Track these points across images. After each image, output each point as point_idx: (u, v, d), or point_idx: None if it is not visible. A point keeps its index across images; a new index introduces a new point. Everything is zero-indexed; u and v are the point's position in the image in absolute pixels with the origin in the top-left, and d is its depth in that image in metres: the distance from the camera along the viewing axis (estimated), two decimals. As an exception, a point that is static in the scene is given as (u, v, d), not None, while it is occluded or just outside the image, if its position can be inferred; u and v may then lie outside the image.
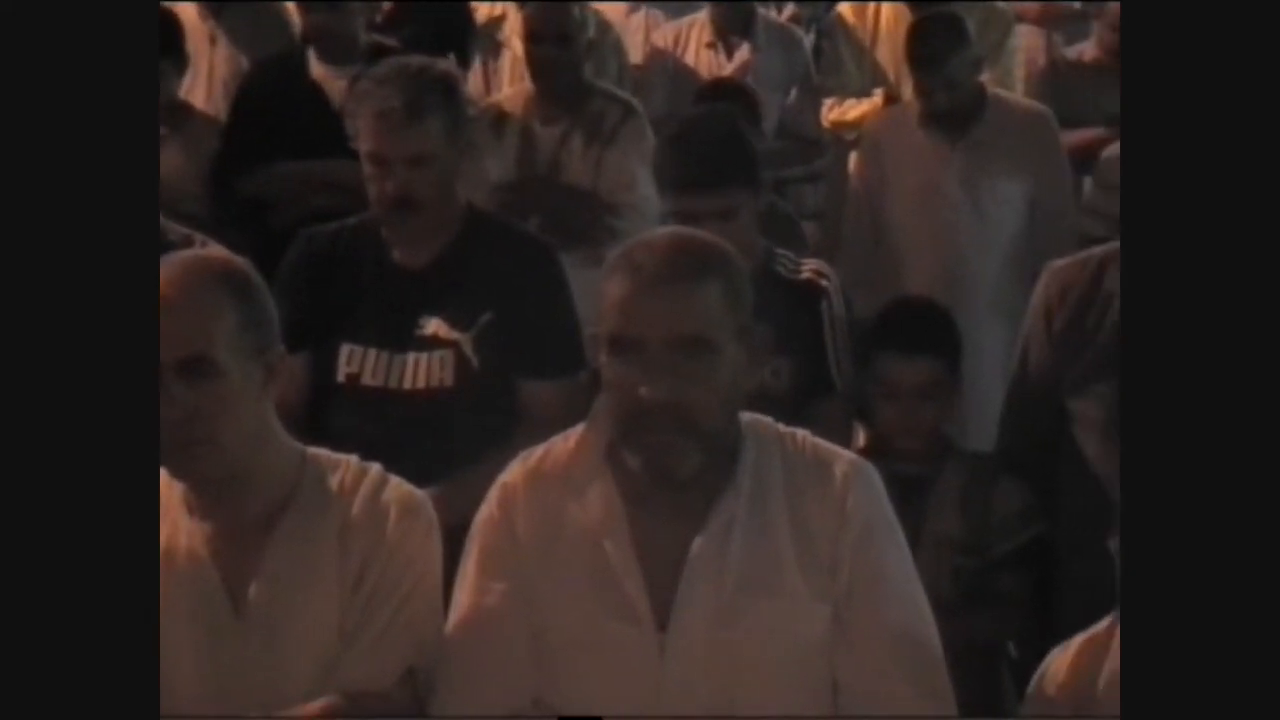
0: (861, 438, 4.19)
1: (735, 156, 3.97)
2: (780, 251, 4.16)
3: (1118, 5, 6.28)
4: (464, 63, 6.36)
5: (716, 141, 3.99)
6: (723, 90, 5.72)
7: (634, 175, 5.41)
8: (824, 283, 4.13)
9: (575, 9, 5.74)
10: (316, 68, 5.54)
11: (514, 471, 2.83)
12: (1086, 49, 6.48)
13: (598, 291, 2.71)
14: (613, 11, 6.94)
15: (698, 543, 2.71)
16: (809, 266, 4.16)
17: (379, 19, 6.42)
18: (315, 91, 5.48)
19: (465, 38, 6.56)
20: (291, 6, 5.86)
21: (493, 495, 2.83)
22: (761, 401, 2.81)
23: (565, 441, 2.84)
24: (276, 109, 5.49)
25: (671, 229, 2.83)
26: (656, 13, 7.02)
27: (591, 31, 5.90)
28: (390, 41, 5.72)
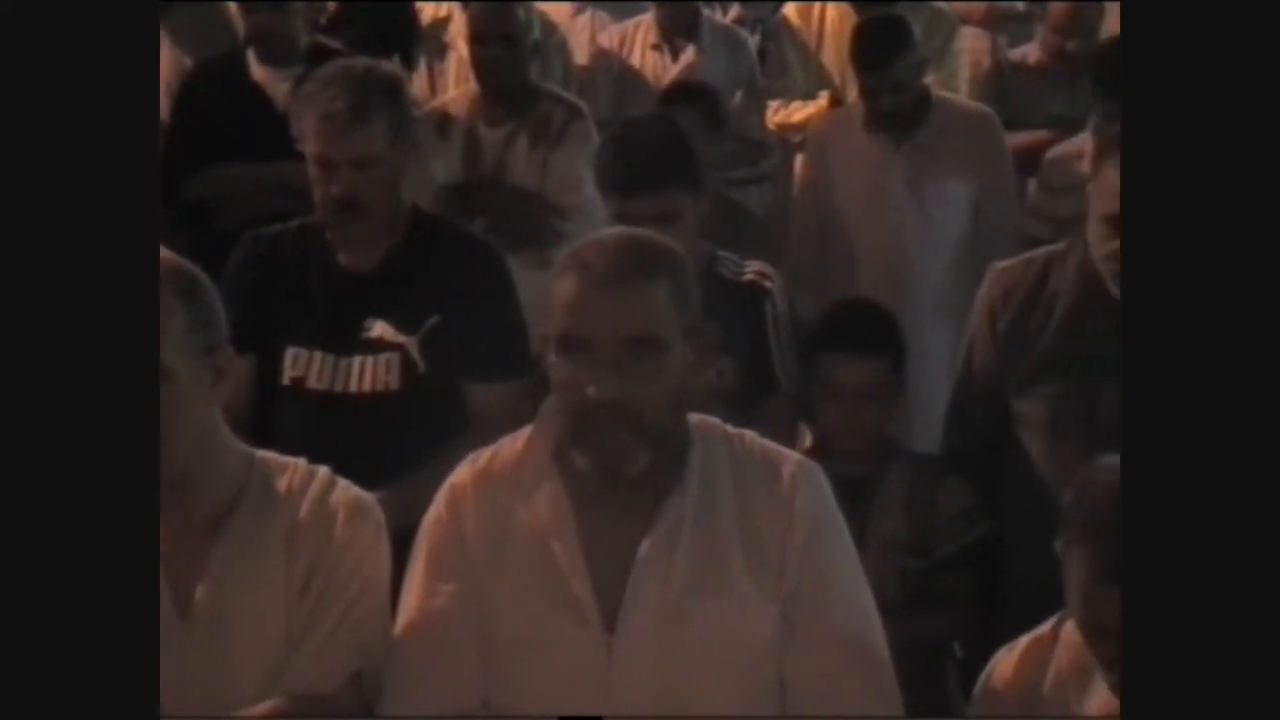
0: (807, 438, 4.21)
1: (676, 160, 3.98)
2: (723, 253, 4.17)
3: (1061, 7, 6.32)
4: (409, 64, 6.35)
5: (657, 145, 4.00)
6: (687, 93, 5.73)
7: (580, 177, 5.41)
8: (767, 283, 4.15)
9: (520, 10, 5.73)
10: (257, 69, 5.53)
11: (462, 473, 2.84)
12: (1030, 51, 6.51)
13: (546, 292, 2.72)
14: (558, 13, 6.93)
15: (646, 544, 2.72)
16: (752, 268, 4.17)
17: (323, 20, 6.40)
18: (256, 93, 5.46)
19: (410, 39, 6.54)
20: (234, 7, 5.84)
21: (441, 497, 2.83)
22: (706, 401, 2.82)
23: (513, 443, 2.84)
24: (217, 110, 5.47)
25: (620, 229, 2.84)
26: (602, 14, 7.02)
27: (537, 33, 5.89)
28: (334, 43, 5.70)
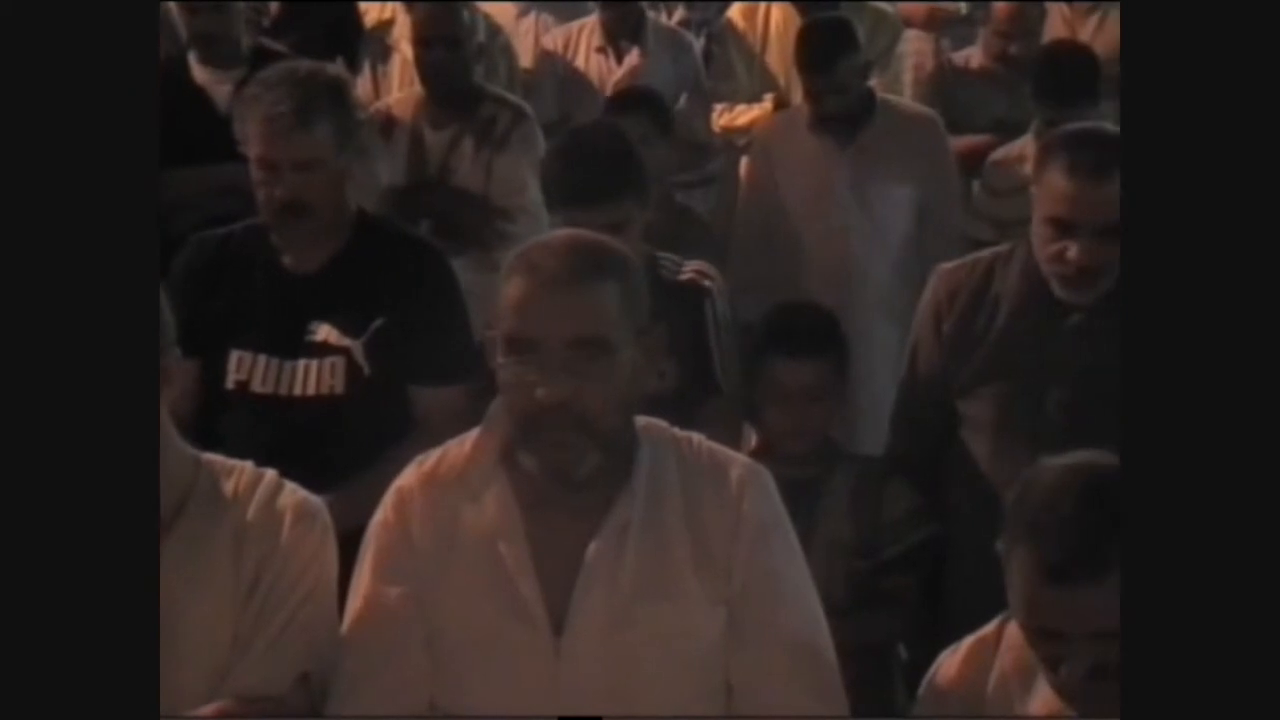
0: (753, 439, 4.22)
1: (624, 171, 3.98)
2: (661, 255, 4.17)
3: (1003, 10, 6.35)
4: (353, 67, 6.33)
5: (605, 156, 3.99)
6: (632, 99, 5.74)
7: (525, 179, 5.41)
8: (706, 283, 4.16)
9: (465, 13, 5.73)
10: (199, 71, 5.50)
11: (409, 476, 2.83)
12: (974, 54, 6.54)
13: (494, 293, 2.72)
14: (502, 15, 6.92)
15: (593, 546, 2.72)
16: (691, 267, 4.18)
17: (265, 22, 6.38)
18: (198, 95, 5.44)
19: (354, 41, 6.53)
20: (175, 9, 5.82)
21: (388, 500, 2.83)
22: (647, 403, 2.83)
23: (460, 446, 2.84)
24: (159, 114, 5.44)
25: (569, 231, 2.84)
26: (547, 17, 7.01)
27: (481, 35, 5.89)
28: (277, 45, 5.69)
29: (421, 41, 5.72)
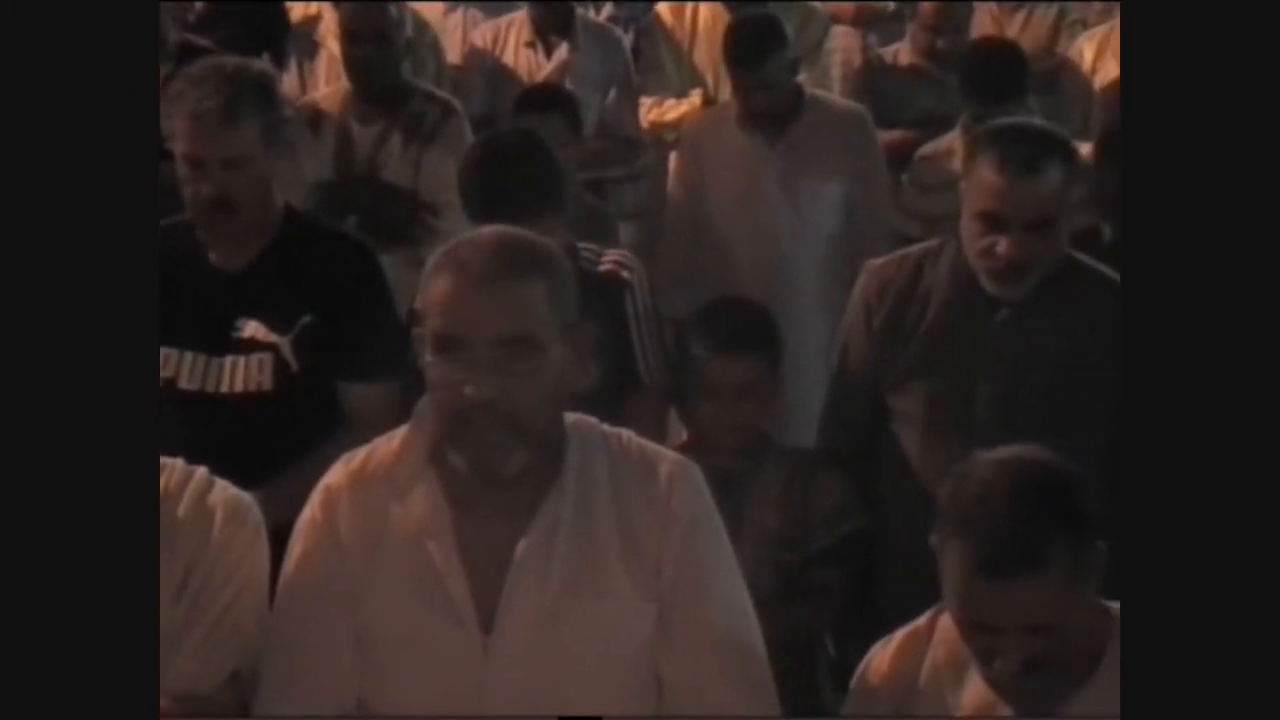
0: (683, 435, 4.22)
1: (542, 183, 4.00)
2: (582, 245, 4.17)
3: (930, 6, 6.37)
4: (279, 63, 6.30)
5: (522, 169, 4.01)
6: (544, 97, 5.72)
7: (453, 175, 5.39)
8: (626, 274, 4.17)
9: (392, 8, 5.72)
10: (126, 67, 5.46)
11: (337, 474, 2.82)
12: (901, 50, 6.56)
13: (421, 291, 2.71)
14: (430, 11, 6.91)
15: (523, 544, 2.71)
16: (610, 257, 4.18)
17: (191, 18, 6.33)
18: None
19: (280, 38, 6.50)
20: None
21: (315, 498, 2.82)
22: (572, 399, 2.82)
23: (389, 443, 2.82)
24: None
25: (497, 228, 2.83)
26: (475, 12, 7.00)
27: (409, 31, 5.88)
28: (203, 41, 5.65)
29: (349, 37, 5.71)
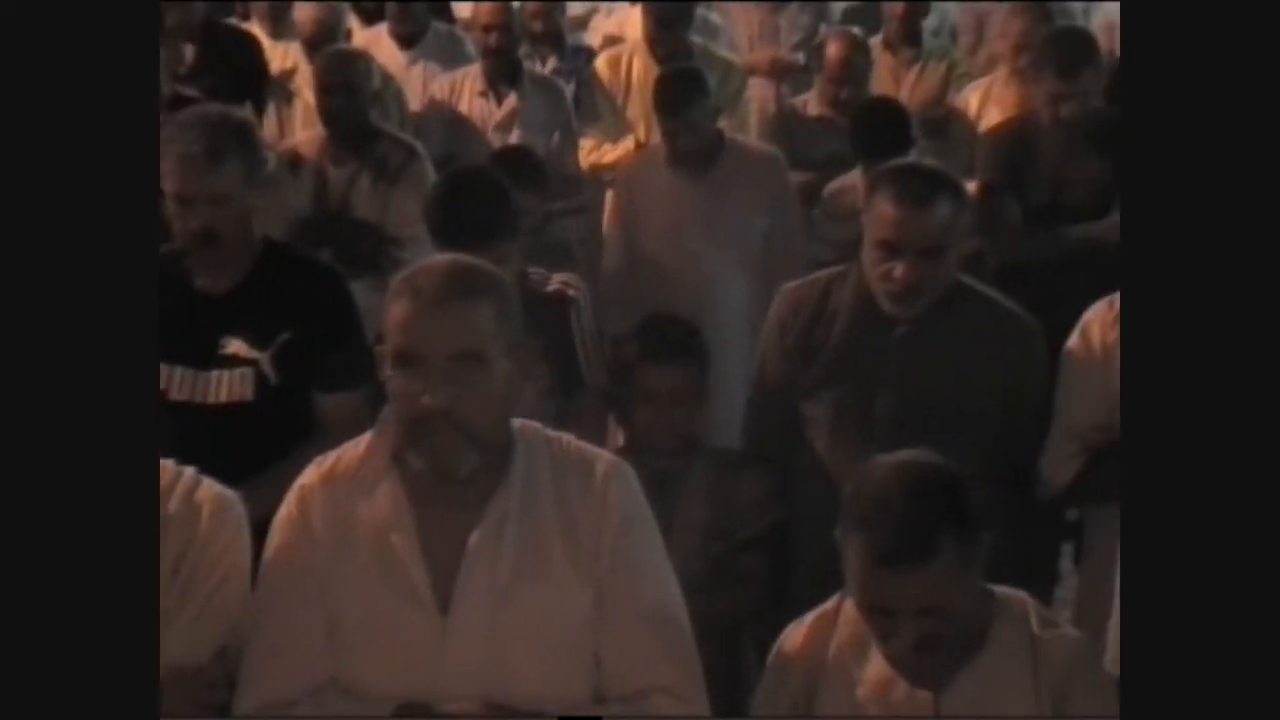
0: (619, 438, 4.21)
1: (500, 215, 4.00)
2: (531, 270, 4.18)
3: (835, 61, 6.39)
4: (259, 110, 6.29)
5: (483, 203, 4.01)
6: (513, 156, 5.69)
7: (416, 211, 5.39)
8: (572, 293, 4.20)
9: (361, 62, 5.71)
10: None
11: (309, 474, 2.82)
12: (810, 100, 6.58)
13: (383, 313, 2.71)
14: (393, 64, 6.90)
15: (475, 535, 2.71)
16: (558, 279, 4.20)
17: (182, 70, 6.29)
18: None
19: (260, 87, 6.50)
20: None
21: (291, 496, 2.81)
22: (523, 406, 2.82)
23: (356, 447, 2.82)
24: None
25: (449, 256, 2.84)
26: (433, 65, 6.99)
27: (376, 82, 5.88)
28: (191, 91, 5.62)
29: (322, 88, 5.72)
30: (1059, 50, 5.48)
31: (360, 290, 4.21)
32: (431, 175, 5.57)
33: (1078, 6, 8.10)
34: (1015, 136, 5.57)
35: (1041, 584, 3.91)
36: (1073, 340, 3.86)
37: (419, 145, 5.78)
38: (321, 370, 3.87)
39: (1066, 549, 4.67)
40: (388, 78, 6.61)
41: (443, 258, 2.83)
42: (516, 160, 5.48)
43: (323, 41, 6.60)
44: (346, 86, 5.60)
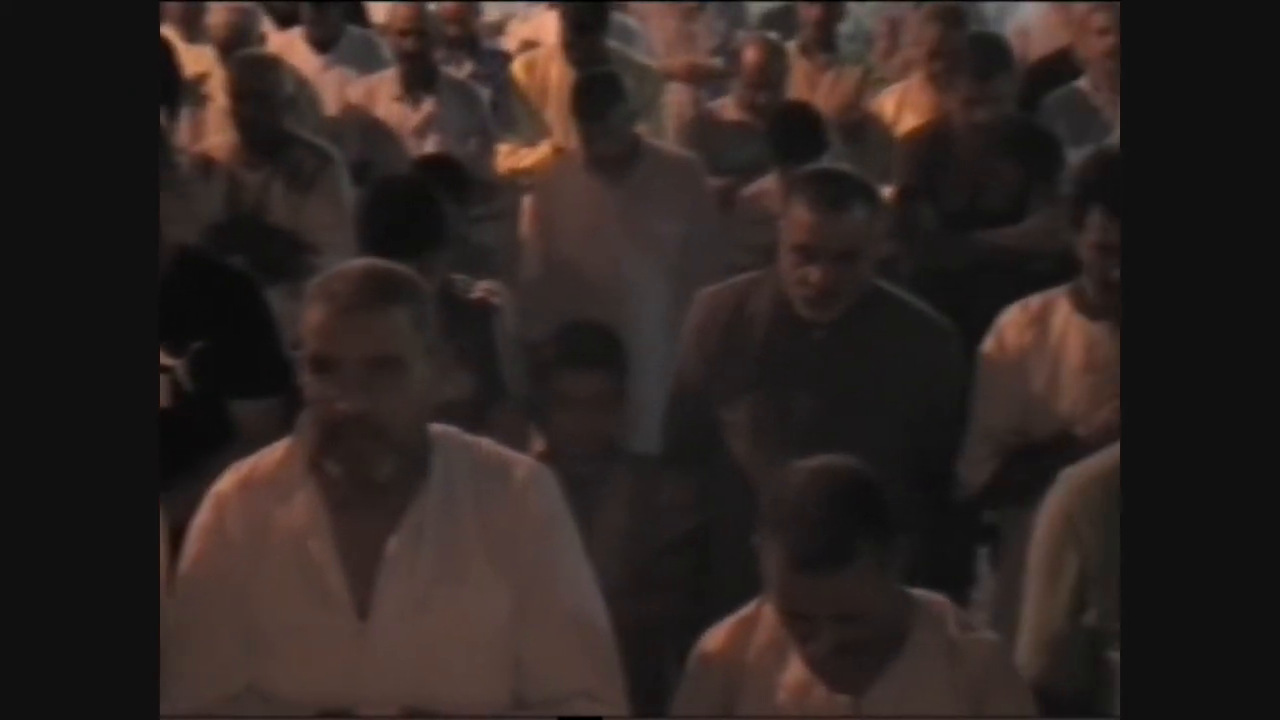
0: (539, 443, 4.20)
1: (428, 225, 4.00)
2: (455, 276, 4.17)
3: (751, 65, 6.40)
4: (172, 114, 6.24)
5: (411, 212, 4.01)
6: (436, 164, 5.69)
7: (331, 216, 5.38)
8: (495, 300, 4.20)
9: (274, 68, 5.68)
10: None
11: (226, 481, 2.81)
12: (727, 104, 6.59)
13: (300, 318, 2.70)
14: (308, 68, 6.86)
15: (393, 540, 2.70)
16: (481, 287, 4.19)
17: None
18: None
19: (173, 93, 6.43)
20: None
21: (206, 503, 2.80)
22: (444, 411, 2.81)
23: (273, 453, 2.81)
24: None
25: (365, 260, 2.83)
26: (349, 70, 6.96)
27: (289, 88, 5.84)
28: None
29: (235, 94, 5.69)
30: (973, 56, 5.54)
31: (276, 296, 4.18)
32: (347, 181, 5.55)
33: (990, 11, 8.17)
34: (930, 141, 5.62)
35: (958, 586, 3.95)
36: (988, 343, 3.89)
37: (334, 150, 5.76)
38: (238, 376, 3.85)
39: (983, 551, 4.70)
40: (302, 82, 6.57)
41: (359, 262, 2.83)
42: (442, 169, 5.48)
43: (236, 45, 6.56)
44: (259, 92, 5.57)
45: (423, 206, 4.05)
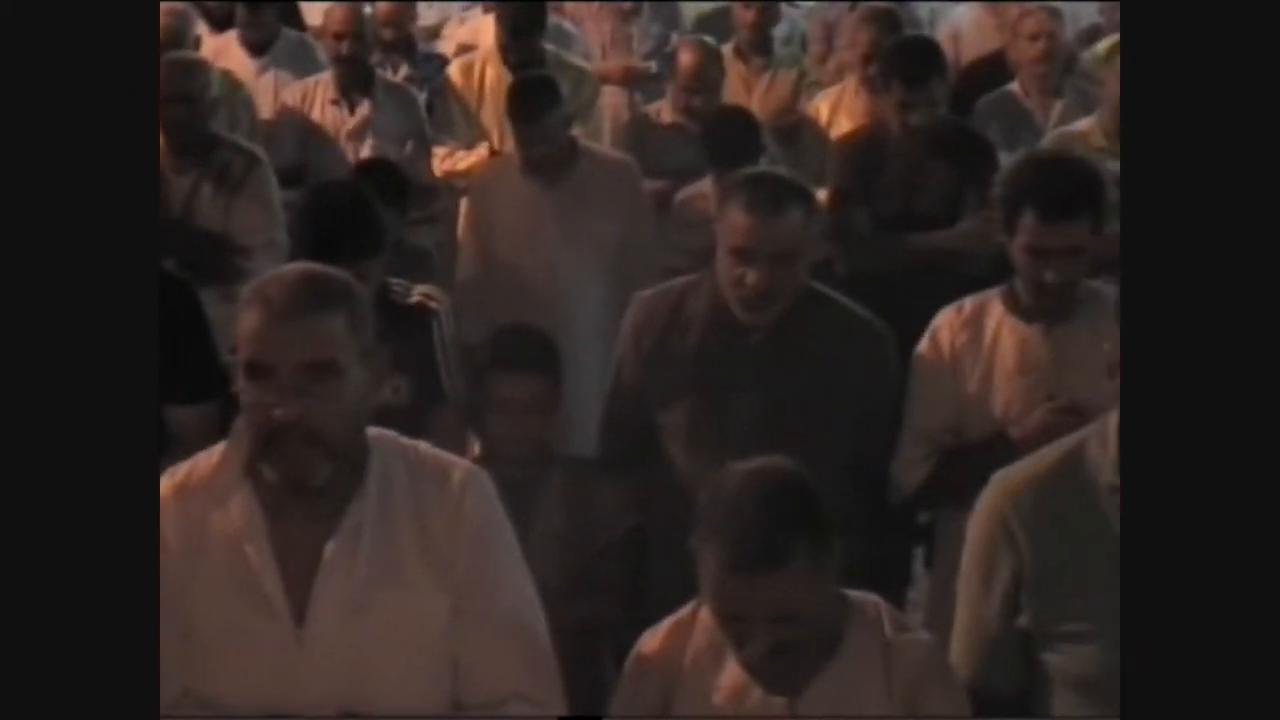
0: (476, 447, 4.20)
1: (365, 232, 3.99)
2: (393, 281, 4.17)
3: (687, 69, 6.41)
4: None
5: (348, 219, 3.99)
6: (375, 169, 5.66)
7: (260, 220, 5.36)
8: (433, 304, 4.20)
9: (198, 71, 5.63)
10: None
11: (162, 485, 2.78)
12: (663, 107, 6.60)
13: (233, 323, 2.69)
14: (244, 72, 6.82)
15: (330, 545, 2.69)
16: (419, 291, 4.19)
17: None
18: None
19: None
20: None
21: None
22: (382, 416, 2.80)
23: (208, 458, 2.80)
24: None
25: (299, 265, 2.81)
26: (284, 73, 6.93)
27: (215, 90, 5.78)
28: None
29: (162, 99, 5.59)
30: (906, 59, 5.56)
31: (208, 300, 4.16)
32: (274, 183, 5.53)
33: (924, 13, 8.21)
34: (865, 145, 5.64)
35: (894, 587, 3.97)
36: (922, 345, 3.91)
37: (261, 152, 5.72)
38: (171, 381, 3.81)
39: (918, 552, 4.73)
40: (236, 85, 6.53)
41: (293, 266, 2.82)
42: (380, 174, 5.46)
43: (171, 47, 6.49)
44: (184, 96, 5.50)
45: (360, 212, 4.03)
